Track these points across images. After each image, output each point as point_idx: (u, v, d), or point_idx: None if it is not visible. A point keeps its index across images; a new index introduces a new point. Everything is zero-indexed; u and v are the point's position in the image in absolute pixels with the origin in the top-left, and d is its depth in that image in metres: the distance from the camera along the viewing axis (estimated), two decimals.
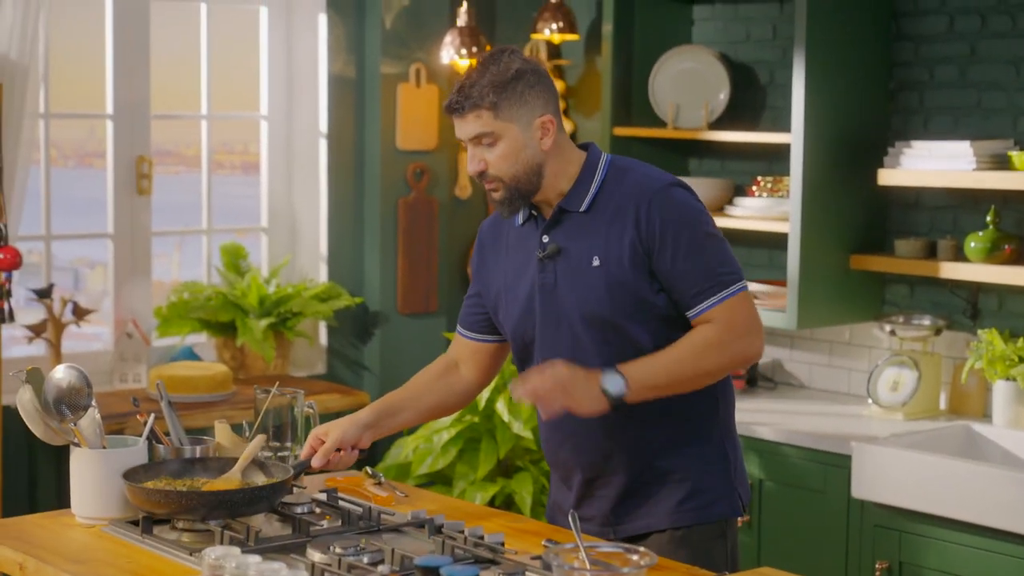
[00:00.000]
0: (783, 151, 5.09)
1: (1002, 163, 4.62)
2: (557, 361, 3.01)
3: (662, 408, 3.10)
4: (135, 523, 3.06)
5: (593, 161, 3.18)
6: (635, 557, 2.58)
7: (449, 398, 3.41)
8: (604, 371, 2.98)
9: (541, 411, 3.04)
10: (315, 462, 3.19)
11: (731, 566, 3.19)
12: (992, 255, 4.62)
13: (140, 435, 3.23)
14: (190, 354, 5.46)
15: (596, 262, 3.09)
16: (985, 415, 4.76)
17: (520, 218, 3.23)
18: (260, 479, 3.13)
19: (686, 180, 5.32)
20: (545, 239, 3.16)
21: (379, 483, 3.46)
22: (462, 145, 5.84)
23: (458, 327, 3.42)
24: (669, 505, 3.17)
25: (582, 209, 3.13)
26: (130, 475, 3.07)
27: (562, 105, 5.93)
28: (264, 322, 5.42)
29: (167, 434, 3.28)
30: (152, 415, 3.25)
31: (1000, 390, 4.63)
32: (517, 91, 3.07)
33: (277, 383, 3.43)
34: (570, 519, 2.72)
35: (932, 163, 4.68)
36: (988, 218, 4.66)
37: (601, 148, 5.37)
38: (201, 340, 5.61)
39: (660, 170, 3.19)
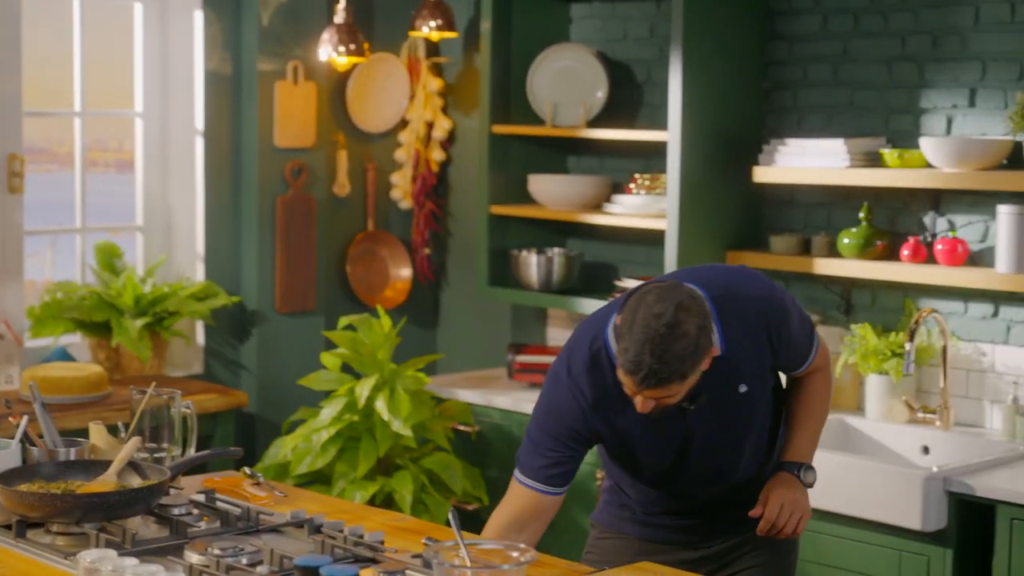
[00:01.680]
0: (660, 149, 5.12)
1: (874, 161, 4.70)
2: (772, 492, 3.18)
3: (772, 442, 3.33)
4: (8, 527, 3.01)
5: (702, 315, 2.95)
6: (515, 554, 2.59)
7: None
8: (792, 471, 3.23)
9: (783, 535, 3.20)
10: None
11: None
12: (865, 251, 4.69)
13: (13, 437, 3.18)
14: (64, 355, 5.39)
15: (743, 388, 3.13)
16: (858, 408, 4.84)
17: None
18: (136, 481, 3.09)
19: (564, 179, 5.39)
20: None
21: (258, 483, 3.44)
22: (341, 143, 5.83)
23: (528, 481, 3.11)
24: (767, 555, 3.31)
25: (720, 355, 3.03)
26: (3, 478, 3.02)
27: (441, 103, 5.93)
28: (140, 322, 5.35)
29: (41, 436, 3.23)
30: (25, 417, 3.20)
31: (873, 384, 4.70)
32: (699, 359, 2.90)
33: (153, 383, 3.39)
34: (449, 517, 2.71)
35: (806, 160, 4.74)
36: (861, 215, 4.74)
37: (480, 146, 5.44)
38: (75, 340, 5.53)
39: (753, 275, 3.19)
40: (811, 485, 3.23)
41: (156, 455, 3.28)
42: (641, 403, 2.92)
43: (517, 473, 3.12)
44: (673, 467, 3.17)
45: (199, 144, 5.67)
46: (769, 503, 3.16)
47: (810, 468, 3.23)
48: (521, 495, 3.11)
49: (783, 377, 3.34)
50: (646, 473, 3.21)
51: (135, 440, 3.16)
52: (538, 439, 3.10)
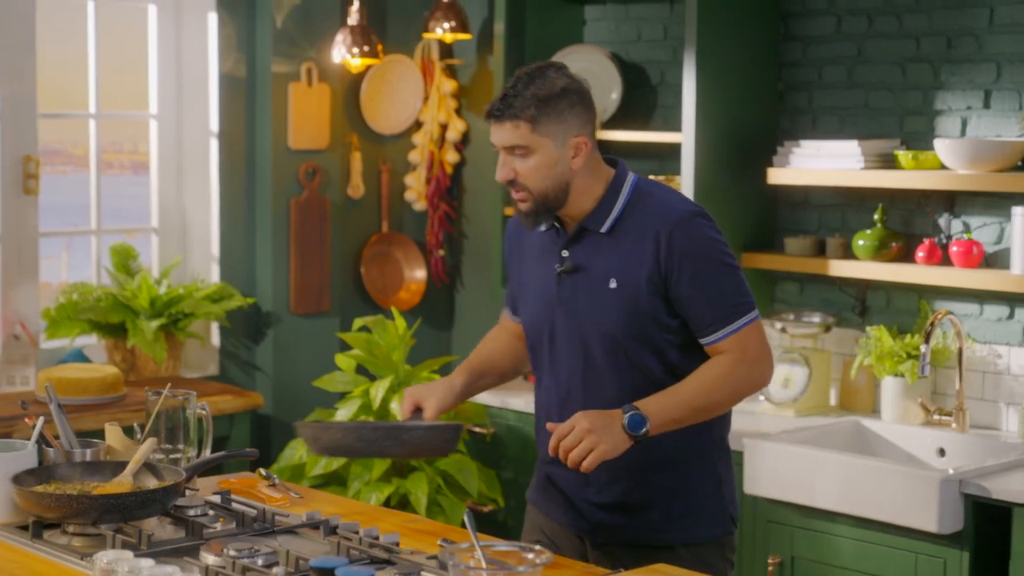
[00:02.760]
0: (674, 150, 5.12)
1: (889, 162, 4.69)
2: (578, 413, 3.05)
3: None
4: (25, 528, 3.02)
5: (619, 182, 3.21)
6: (531, 556, 2.59)
7: (520, 364, 3.46)
8: (625, 411, 3.04)
9: (568, 463, 3.04)
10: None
11: None
12: (880, 253, 4.69)
13: (29, 438, 3.19)
14: (79, 356, 5.40)
15: (613, 284, 3.13)
16: (874, 411, 4.83)
17: (542, 226, 3.26)
18: (152, 482, 3.10)
19: None
20: (565, 254, 3.21)
21: (273, 484, 3.44)
22: (355, 145, 5.83)
23: (506, 310, 3.49)
24: (662, 521, 3.22)
25: (603, 230, 3.16)
26: (19, 479, 3.03)
27: (455, 104, 5.94)
28: (155, 323, 5.36)
29: (57, 437, 3.24)
30: (41, 418, 3.21)
31: (888, 386, 4.70)
32: (558, 108, 3.10)
33: (169, 385, 3.39)
34: (465, 519, 2.72)
35: (820, 162, 4.74)
36: (876, 216, 4.73)
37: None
38: (91, 342, 5.54)
39: (684, 197, 3.23)
40: (635, 438, 3.04)
41: (172, 456, 3.29)
42: (501, 160, 3.14)
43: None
44: (542, 339, 3.25)
45: (214, 146, 5.68)
46: (567, 422, 3.05)
47: (643, 421, 3.03)
48: (504, 318, 3.51)
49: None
50: (528, 340, 3.32)
51: (151, 441, 3.17)
52: None
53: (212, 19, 5.63)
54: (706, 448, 3.25)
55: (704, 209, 3.19)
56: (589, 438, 3.00)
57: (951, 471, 4.08)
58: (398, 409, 5.01)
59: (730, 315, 3.11)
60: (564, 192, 3.14)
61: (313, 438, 3.15)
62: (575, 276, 3.18)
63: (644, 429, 3.03)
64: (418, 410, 3.29)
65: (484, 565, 2.56)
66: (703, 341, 3.14)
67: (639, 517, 3.22)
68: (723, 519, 3.28)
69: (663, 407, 3.07)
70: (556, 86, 3.12)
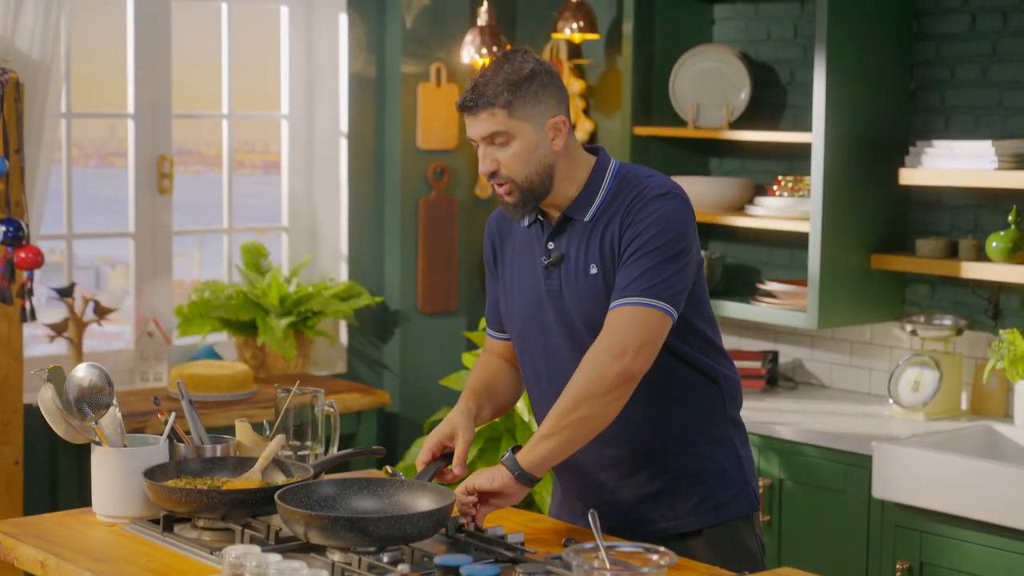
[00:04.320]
0: (804, 150, 5.08)
1: (1023, 163, 4.61)
2: (473, 475, 3.00)
3: (667, 406, 3.12)
4: (156, 522, 3.07)
5: (602, 168, 3.15)
6: (655, 557, 2.58)
7: (517, 390, 3.37)
8: (504, 461, 2.99)
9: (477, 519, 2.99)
10: (458, 470, 3.11)
11: (760, 560, 3.20)
12: (1014, 255, 4.60)
13: (161, 434, 3.24)
14: (211, 353, 5.47)
15: (594, 270, 3.08)
16: (1007, 415, 4.75)
17: (526, 220, 3.21)
18: (280, 478, 3.13)
19: (706, 180, 5.35)
20: (550, 246, 3.15)
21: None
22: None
23: (489, 329, 3.39)
24: (687, 506, 3.16)
25: (587, 219, 3.11)
26: (151, 474, 3.07)
27: (582, 104, 5.93)
28: (284, 321, 5.42)
29: (188, 433, 3.28)
30: (173, 414, 3.26)
31: (1022, 390, 4.62)
32: (531, 90, 3.06)
33: (298, 382, 3.43)
34: (590, 518, 2.72)
35: (953, 162, 4.66)
36: (1009, 218, 4.65)
37: (622, 148, 5.42)
38: (222, 339, 5.62)
39: (663, 179, 3.12)
40: (524, 477, 2.97)
41: (300, 453, 3.31)
42: (482, 152, 3.09)
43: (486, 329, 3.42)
44: (532, 338, 3.18)
45: (343, 145, 5.73)
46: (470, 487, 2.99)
47: (513, 460, 2.98)
48: (489, 342, 3.39)
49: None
50: (516, 345, 3.24)
51: (279, 438, 3.20)
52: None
53: (343, 20, 5.69)
54: (720, 427, 3.18)
55: (682, 191, 3.09)
56: (494, 497, 2.98)
57: None
58: (523, 408, 5.02)
59: (633, 292, 2.98)
60: (549, 177, 3.08)
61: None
62: (561, 267, 3.12)
63: (516, 468, 2.96)
64: (440, 457, 3.17)
65: (608, 566, 2.55)
66: (610, 305, 3.02)
67: (664, 506, 3.16)
68: (749, 495, 3.20)
69: (534, 452, 2.98)
70: (525, 69, 3.07)
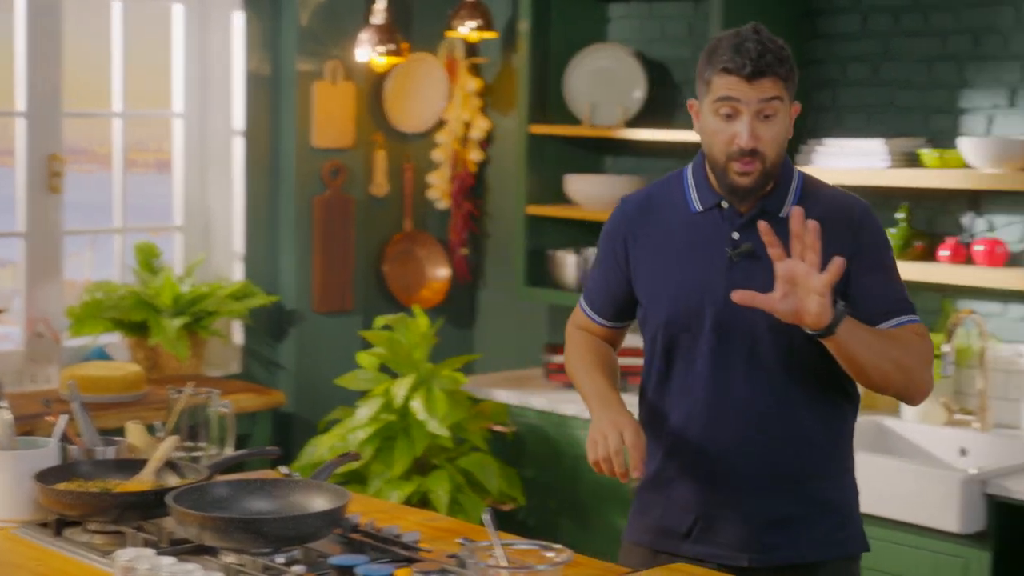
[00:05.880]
0: (698, 149, 5.10)
1: (914, 161, 4.68)
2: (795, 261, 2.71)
3: (817, 425, 2.96)
4: (46, 525, 3.03)
5: (790, 166, 2.99)
6: (551, 554, 2.58)
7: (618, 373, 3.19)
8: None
9: (778, 303, 2.70)
10: (637, 473, 2.90)
11: None
12: (904, 252, 4.67)
13: (51, 436, 3.19)
14: (102, 354, 5.41)
15: None
16: (896, 410, 4.81)
17: (699, 204, 3.00)
18: (173, 480, 3.10)
19: (601, 179, 5.38)
20: (736, 236, 2.94)
21: None
22: (379, 143, 5.83)
23: (592, 312, 3.17)
24: (818, 535, 3.00)
25: (783, 215, 2.91)
26: (41, 476, 3.03)
27: (478, 103, 5.94)
28: (178, 321, 5.37)
29: (79, 435, 3.25)
30: (64, 416, 3.22)
31: None
32: (794, 67, 2.89)
33: (191, 383, 3.40)
34: (483, 518, 2.70)
35: (845, 160, 4.72)
36: (900, 215, 4.71)
37: (518, 147, 5.44)
38: (114, 340, 5.56)
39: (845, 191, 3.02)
40: (836, 317, 2.72)
41: (193, 454, 3.29)
42: (748, 125, 2.84)
43: (581, 304, 3.20)
44: (687, 333, 2.96)
45: (238, 144, 5.69)
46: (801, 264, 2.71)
47: (844, 311, 2.75)
48: (585, 320, 3.18)
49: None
50: (660, 341, 3.00)
51: (172, 439, 3.17)
52: (592, 268, 3.18)
53: (237, 17, 5.64)
54: (847, 458, 3.05)
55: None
56: (807, 287, 2.69)
57: (973, 471, 4.07)
58: (419, 408, 5.01)
59: (904, 309, 2.92)
60: (783, 163, 2.93)
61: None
62: (751, 262, 2.90)
63: (842, 317, 2.73)
64: (343, 456, 3.16)
65: (504, 564, 2.55)
66: (886, 324, 2.89)
67: (797, 533, 2.98)
68: (863, 532, 3.09)
69: (859, 326, 2.79)
70: (784, 45, 2.90)
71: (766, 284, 2.78)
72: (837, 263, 2.69)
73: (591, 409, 3.03)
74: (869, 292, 2.89)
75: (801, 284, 2.70)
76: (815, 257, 2.70)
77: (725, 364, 2.95)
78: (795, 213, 2.72)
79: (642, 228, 3.06)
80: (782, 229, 2.81)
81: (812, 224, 2.71)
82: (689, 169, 3.08)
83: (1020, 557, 4.05)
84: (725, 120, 2.88)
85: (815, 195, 2.97)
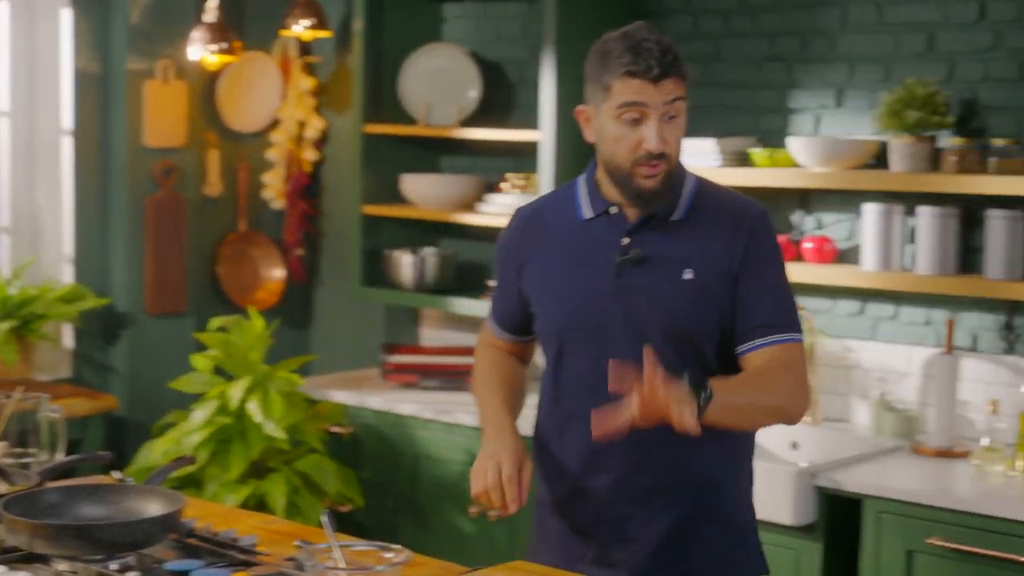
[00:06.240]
0: (533, 148, 5.14)
1: (745, 160, 4.75)
2: (659, 370, 2.63)
3: (712, 435, 2.79)
4: None
5: (683, 170, 2.94)
6: (390, 555, 2.58)
7: (525, 388, 3.17)
8: (686, 379, 2.68)
9: (640, 420, 2.63)
10: (519, 504, 2.87)
11: None
12: None
13: None
14: None
15: (688, 275, 2.85)
16: None
17: (587, 211, 2.97)
18: (3, 487, 3.04)
19: (437, 178, 5.39)
20: (626, 241, 2.91)
21: None
22: (212, 143, 5.77)
23: (496, 327, 3.17)
24: (716, 551, 2.96)
25: (674, 218, 2.89)
26: None
27: (313, 103, 5.90)
28: (6, 325, 5.27)
29: None
30: None
31: None
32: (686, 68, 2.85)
33: (20, 387, 3.33)
34: (321, 520, 2.69)
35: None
36: None
37: (353, 146, 5.42)
38: None
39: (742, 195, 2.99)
40: (699, 402, 2.66)
41: (23, 460, 3.22)
42: (656, 128, 2.80)
43: (488, 320, 3.21)
44: (576, 339, 2.93)
45: (67, 144, 5.59)
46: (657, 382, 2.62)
47: (706, 387, 2.68)
48: (494, 337, 3.18)
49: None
50: (550, 348, 2.98)
51: (1, 445, 3.11)
52: (495, 284, 3.16)
53: (66, 15, 5.54)
54: (750, 470, 3.04)
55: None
56: (669, 401, 2.60)
57: (804, 464, 4.15)
58: (255, 410, 4.97)
59: (785, 326, 2.86)
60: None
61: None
62: (641, 266, 2.88)
63: (708, 400, 2.66)
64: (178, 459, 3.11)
65: (343, 565, 2.54)
66: (746, 346, 2.86)
67: (688, 548, 2.95)
68: (761, 554, 3.06)
69: (726, 389, 2.73)
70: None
71: (653, 288, 2.83)
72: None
73: (483, 435, 3.01)
74: (750, 302, 2.86)
75: (655, 404, 2.61)
76: (659, 379, 2.60)
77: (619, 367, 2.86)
78: (647, 353, 2.63)
79: (533, 239, 3.04)
80: (672, 232, 2.85)
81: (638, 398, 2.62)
82: (582, 178, 3.04)
83: (849, 548, 4.13)
84: (630, 125, 2.84)
85: (710, 197, 2.94)
